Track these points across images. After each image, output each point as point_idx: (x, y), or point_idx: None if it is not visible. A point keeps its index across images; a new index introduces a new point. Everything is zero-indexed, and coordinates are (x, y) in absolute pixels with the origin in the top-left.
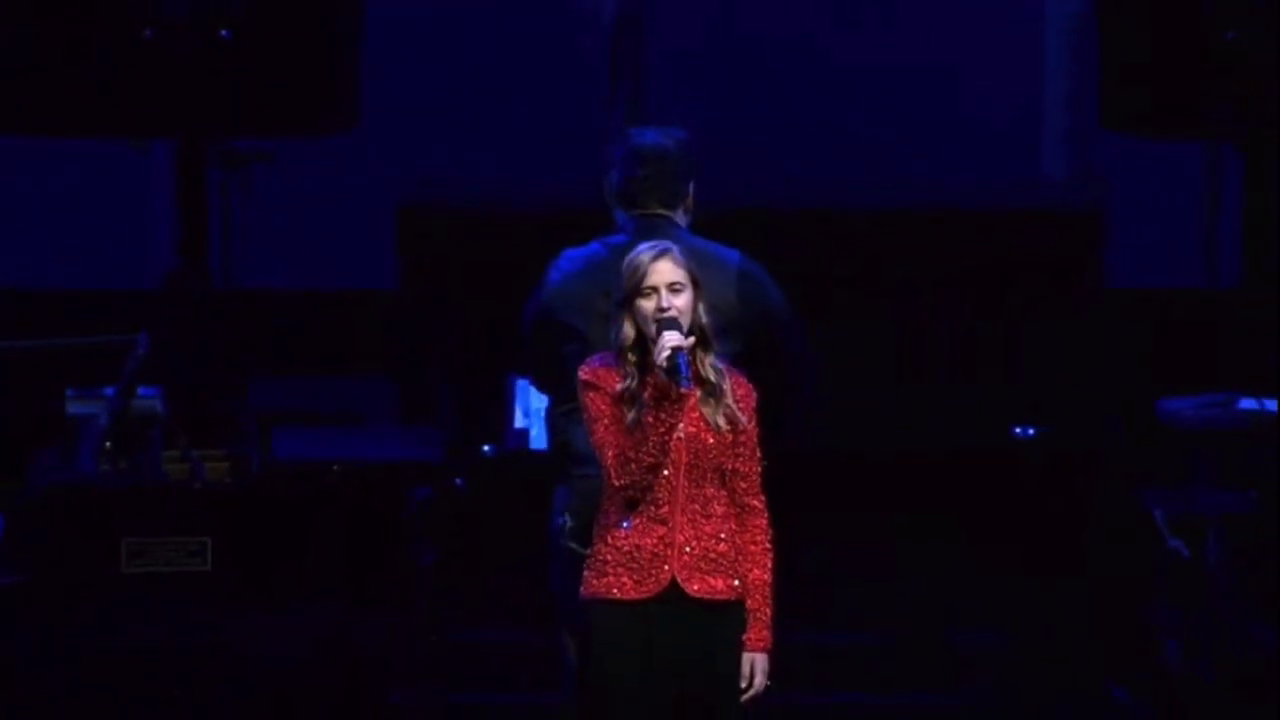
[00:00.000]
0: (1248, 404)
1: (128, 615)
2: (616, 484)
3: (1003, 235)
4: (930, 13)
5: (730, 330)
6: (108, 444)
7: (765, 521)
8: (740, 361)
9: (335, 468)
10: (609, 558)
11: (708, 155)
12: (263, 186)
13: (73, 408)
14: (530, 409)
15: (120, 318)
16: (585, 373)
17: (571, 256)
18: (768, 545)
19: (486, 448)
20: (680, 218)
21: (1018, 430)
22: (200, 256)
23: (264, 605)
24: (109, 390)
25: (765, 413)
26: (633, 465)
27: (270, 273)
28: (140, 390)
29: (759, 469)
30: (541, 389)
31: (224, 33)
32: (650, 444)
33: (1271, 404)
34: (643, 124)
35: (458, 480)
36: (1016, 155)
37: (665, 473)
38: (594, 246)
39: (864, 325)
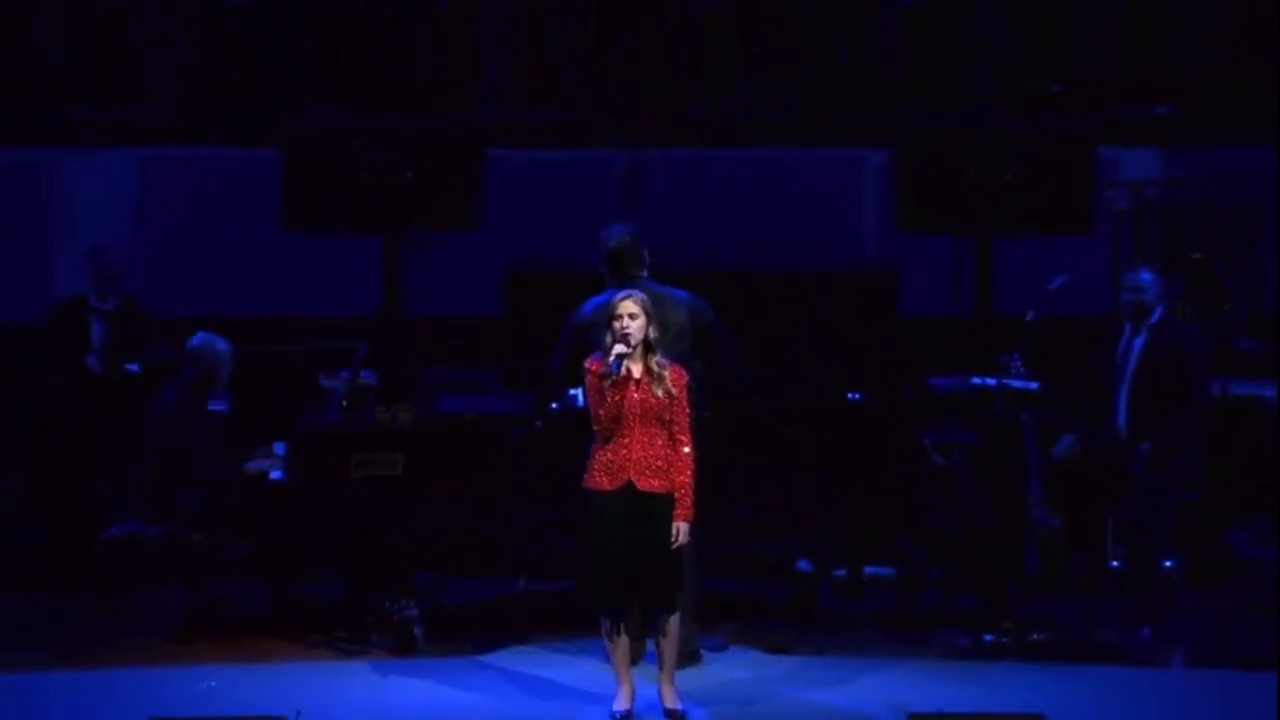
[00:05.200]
0: (977, 381)
1: (354, 501)
2: (596, 428)
3: (840, 285)
4: (807, 168)
5: (683, 337)
6: (344, 403)
7: (689, 449)
8: (690, 356)
9: (470, 416)
10: (595, 467)
11: (674, 237)
12: (430, 258)
13: (324, 383)
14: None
15: (350, 332)
16: (588, 363)
17: (594, 301)
18: (690, 462)
19: (554, 405)
20: (645, 273)
21: (850, 395)
22: (394, 297)
23: (431, 493)
24: (344, 373)
25: (712, 384)
26: (602, 418)
27: (433, 306)
28: (362, 374)
29: (687, 420)
30: (562, 376)
31: (408, 174)
32: (609, 407)
33: (990, 381)
34: (642, 226)
35: (538, 423)
36: (849, 241)
37: (626, 422)
38: (606, 295)
39: (763, 332)
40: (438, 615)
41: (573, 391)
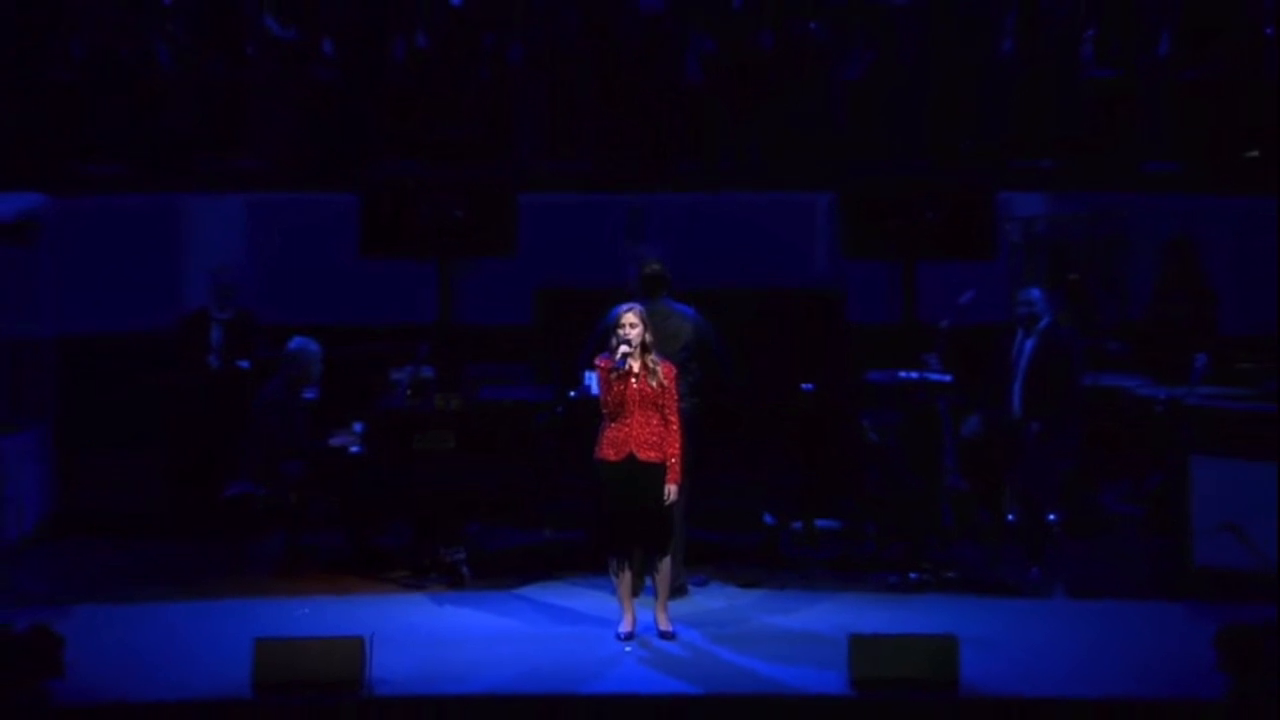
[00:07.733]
0: (904, 375)
1: (417, 468)
2: (604, 411)
3: (798, 300)
4: (773, 208)
5: (689, 346)
6: (408, 391)
7: (678, 429)
8: (689, 363)
9: (506, 402)
10: (604, 442)
11: (668, 262)
12: (475, 279)
13: (393, 375)
14: (593, 376)
15: (414, 336)
16: (598, 360)
17: (617, 309)
18: (678, 438)
19: (572, 393)
20: (667, 293)
21: (804, 386)
22: (447, 309)
23: (476, 462)
24: (408, 368)
25: (706, 382)
26: (609, 403)
27: (477, 317)
28: (422, 369)
29: (675, 405)
30: (588, 361)
31: (458, 213)
32: (615, 395)
33: (914, 374)
34: (641, 251)
35: (559, 409)
36: (805, 265)
37: (628, 407)
38: (627, 305)
39: (737, 337)
40: (482, 558)
41: (587, 382)
